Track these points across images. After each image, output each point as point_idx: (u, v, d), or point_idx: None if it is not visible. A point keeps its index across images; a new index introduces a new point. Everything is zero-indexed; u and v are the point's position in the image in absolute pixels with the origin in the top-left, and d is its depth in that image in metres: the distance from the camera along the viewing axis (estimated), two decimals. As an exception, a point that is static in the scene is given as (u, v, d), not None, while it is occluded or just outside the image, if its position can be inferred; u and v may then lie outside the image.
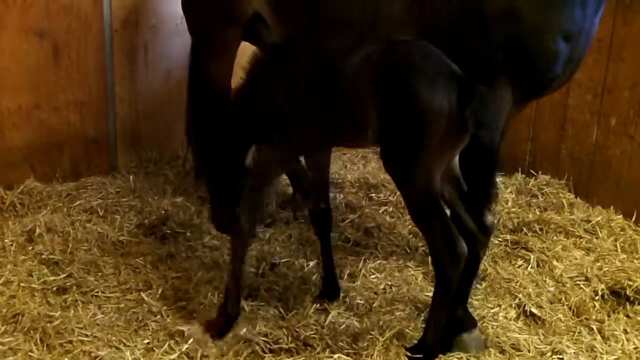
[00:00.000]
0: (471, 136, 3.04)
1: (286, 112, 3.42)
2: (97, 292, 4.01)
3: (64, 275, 4.15)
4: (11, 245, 4.49)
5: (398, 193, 3.19)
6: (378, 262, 4.44)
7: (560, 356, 3.59)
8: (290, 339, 3.58)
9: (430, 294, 4.00)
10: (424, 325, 3.75)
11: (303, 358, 3.46)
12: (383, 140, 3.18)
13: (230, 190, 3.74)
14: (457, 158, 3.34)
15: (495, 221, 3.34)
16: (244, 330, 3.65)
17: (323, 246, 4.02)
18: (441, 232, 3.13)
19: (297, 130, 3.45)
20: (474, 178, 3.30)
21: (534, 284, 4.24)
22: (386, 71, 3.12)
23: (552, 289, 4.19)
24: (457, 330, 3.56)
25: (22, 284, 4.06)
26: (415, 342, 3.52)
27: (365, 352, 3.45)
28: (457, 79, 3.07)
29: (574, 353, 3.60)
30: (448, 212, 3.28)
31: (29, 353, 3.45)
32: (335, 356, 3.44)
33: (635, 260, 4.54)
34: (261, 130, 3.53)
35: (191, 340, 3.53)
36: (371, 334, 3.61)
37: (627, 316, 3.98)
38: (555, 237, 4.82)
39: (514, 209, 5.24)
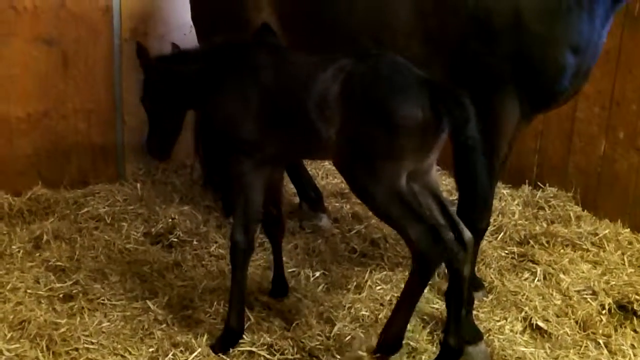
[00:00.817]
0: (455, 135, 3.03)
1: (249, 123, 3.42)
2: (103, 299, 4.02)
3: (70, 283, 4.16)
4: (18, 251, 4.51)
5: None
6: (384, 273, 4.43)
7: (567, 370, 3.59)
8: (295, 349, 3.58)
9: (437, 306, 4.02)
10: (430, 337, 3.76)
11: (308, 369, 3.46)
12: (351, 153, 3.15)
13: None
14: (435, 176, 3.35)
15: (473, 236, 3.32)
16: (249, 340, 3.65)
17: (274, 249, 4.10)
18: (416, 221, 3.08)
19: (265, 142, 3.44)
20: (466, 180, 3.27)
21: (541, 297, 4.22)
22: (356, 86, 3.13)
23: (558, 302, 4.17)
24: None
25: (28, 291, 4.07)
26: (421, 353, 3.51)
27: (371, 364, 3.45)
28: (427, 86, 3.08)
29: (580, 367, 3.60)
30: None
31: (35, 360, 3.46)
32: (341, 367, 3.44)
33: (642, 274, 4.52)
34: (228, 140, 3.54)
35: (197, 349, 3.53)
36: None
37: (634, 331, 3.96)
38: (562, 250, 4.80)
39: (520, 221, 5.22)
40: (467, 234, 3.29)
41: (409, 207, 3.09)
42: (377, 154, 3.07)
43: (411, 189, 3.22)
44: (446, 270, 4.26)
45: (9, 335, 3.64)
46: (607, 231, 5.01)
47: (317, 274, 4.39)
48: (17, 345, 3.54)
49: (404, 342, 3.60)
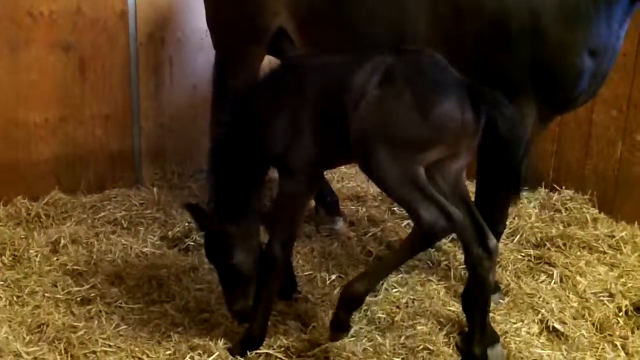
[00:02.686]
0: (502, 133, 3.03)
1: (304, 140, 3.39)
2: (121, 303, 4.04)
3: (88, 286, 4.19)
4: (36, 255, 4.54)
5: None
6: (400, 276, 4.43)
7: (584, 372, 3.57)
8: (312, 352, 3.58)
9: (453, 308, 4.02)
10: (446, 340, 3.75)
11: (325, 371, 3.47)
12: (373, 133, 3.11)
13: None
14: (464, 182, 3.35)
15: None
16: (266, 343, 3.66)
17: None
18: (428, 202, 3.06)
19: (318, 153, 3.41)
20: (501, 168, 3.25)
21: (557, 299, 4.21)
22: (398, 76, 3.11)
23: (575, 304, 4.16)
24: None
25: (46, 295, 4.10)
26: (437, 355, 3.51)
27: (387, 366, 3.46)
28: (468, 86, 3.09)
29: (597, 369, 3.58)
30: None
31: (53, 363, 3.49)
32: (357, 369, 3.45)
33: (660, 277, 4.49)
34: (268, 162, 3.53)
35: (214, 352, 3.54)
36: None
37: (652, 333, 3.94)
38: (578, 253, 4.78)
39: (537, 224, 5.20)
40: (493, 242, 3.29)
41: (422, 190, 3.07)
42: (402, 140, 3.06)
43: (440, 190, 3.21)
44: (463, 274, 4.28)
45: (27, 339, 3.67)
46: (623, 233, 4.98)
47: (333, 277, 4.40)
48: (36, 349, 3.57)
49: (419, 344, 3.63)
